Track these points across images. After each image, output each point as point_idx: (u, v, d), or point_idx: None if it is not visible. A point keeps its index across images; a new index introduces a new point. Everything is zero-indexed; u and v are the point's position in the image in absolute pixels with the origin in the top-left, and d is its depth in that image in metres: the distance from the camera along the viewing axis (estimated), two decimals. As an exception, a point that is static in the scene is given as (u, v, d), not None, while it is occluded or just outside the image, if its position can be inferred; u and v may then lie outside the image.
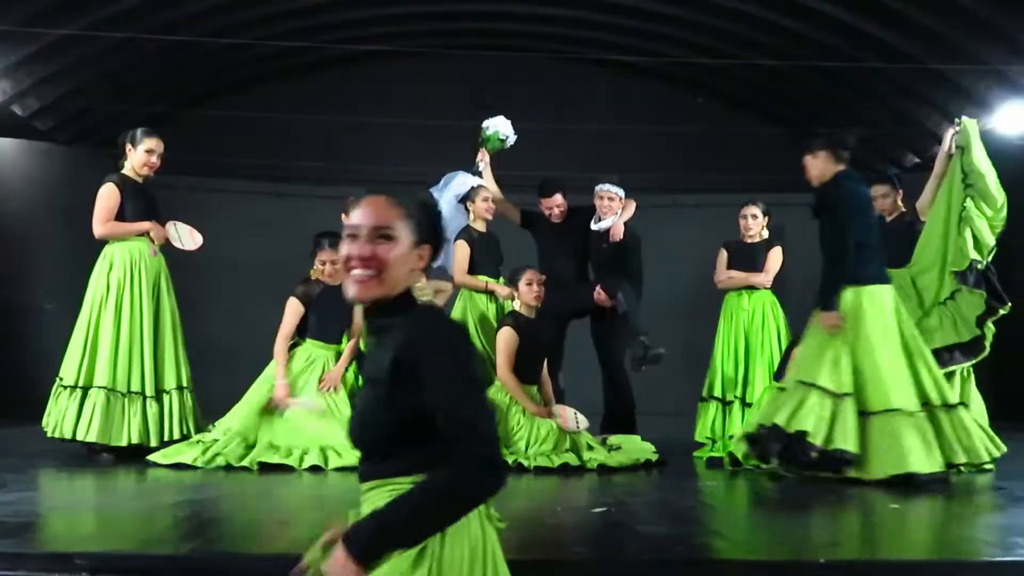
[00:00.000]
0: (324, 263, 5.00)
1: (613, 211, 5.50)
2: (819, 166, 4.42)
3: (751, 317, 5.48)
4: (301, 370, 4.94)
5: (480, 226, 5.38)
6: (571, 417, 4.94)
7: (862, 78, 7.95)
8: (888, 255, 5.26)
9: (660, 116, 8.77)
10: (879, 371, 4.17)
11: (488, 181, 5.57)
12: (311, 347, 5.00)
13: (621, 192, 5.54)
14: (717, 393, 5.43)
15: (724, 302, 5.57)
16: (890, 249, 5.33)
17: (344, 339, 5.09)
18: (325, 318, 5.00)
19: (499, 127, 5.61)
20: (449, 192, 5.41)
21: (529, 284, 5.01)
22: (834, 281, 4.26)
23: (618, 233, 5.47)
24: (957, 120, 5.11)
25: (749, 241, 5.60)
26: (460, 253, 5.25)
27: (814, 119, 8.76)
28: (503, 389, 4.96)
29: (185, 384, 4.99)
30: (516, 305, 5.06)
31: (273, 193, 8.59)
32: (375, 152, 8.72)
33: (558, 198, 5.58)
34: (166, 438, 4.85)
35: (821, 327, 4.27)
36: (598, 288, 5.36)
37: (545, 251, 5.59)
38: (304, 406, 4.83)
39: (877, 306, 4.28)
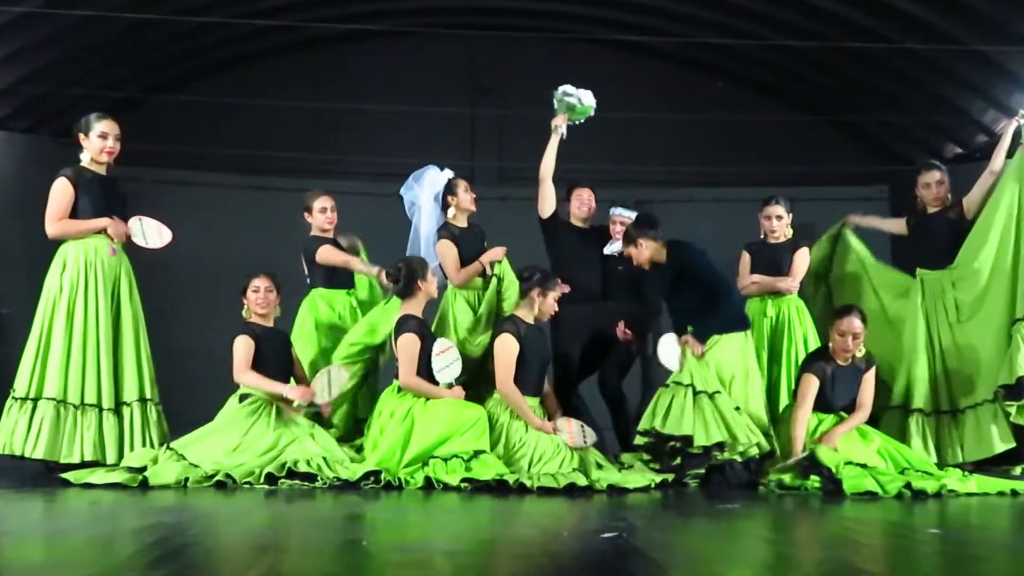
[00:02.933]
0: (257, 290, 4.99)
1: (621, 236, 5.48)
2: (647, 251, 5.04)
3: (775, 324, 5.47)
4: (246, 416, 4.87)
5: (461, 221, 5.39)
6: (577, 432, 4.91)
7: (898, 60, 7.90)
8: (924, 253, 5.22)
9: (676, 103, 8.78)
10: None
11: (551, 152, 5.54)
12: (259, 395, 4.93)
13: (633, 215, 5.56)
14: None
15: (747, 307, 5.52)
16: (926, 247, 5.27)
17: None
18: (270, 365, 4.95)
19: (590, 101, 5.55)
20: (424, 189, 5.42)
21: (557, 300, 5.05)
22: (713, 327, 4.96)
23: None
24: (1021, 112, 5.08)
25: (773, 242, 5.58)
26: (448, 253, 5.27)
27: (846, 106, 8.73)
28: (502, 402, 4.96)
29: (149, 396, 4.95)
30: (522, 311, 5.02)
31: (252, 187, 8.56)
32: (365, 141, 8.71)
33: (588, 191, 5.64)
34: (126, 455, 4.80)
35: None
36: (621, 324, 5.38)
37: (564, 258, 5.57)
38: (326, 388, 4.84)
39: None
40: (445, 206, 5.38)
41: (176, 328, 7.34)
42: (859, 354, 4.99)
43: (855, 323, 4.93)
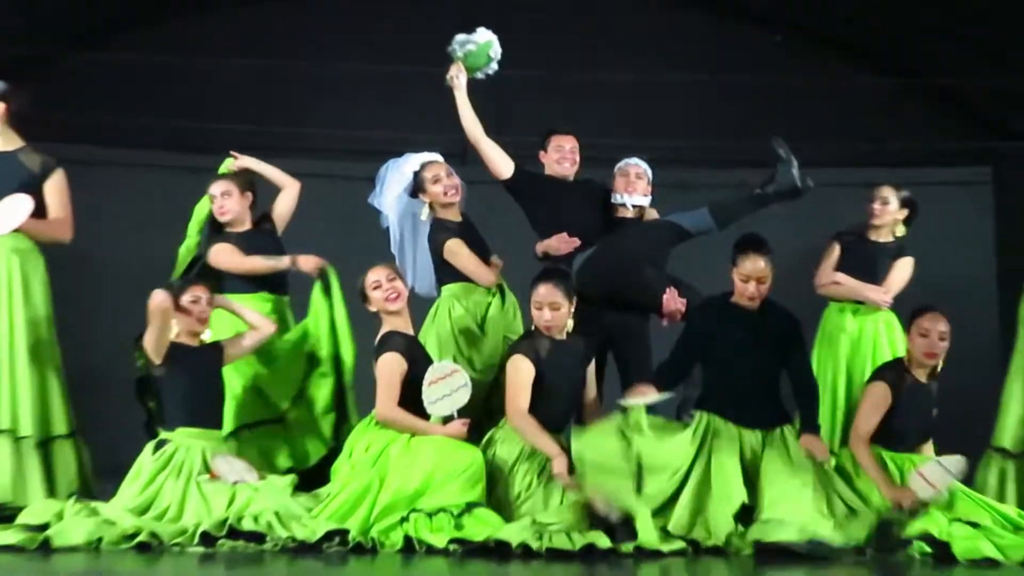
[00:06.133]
0: (196, 299, 5.11)
1: (640, 191, 5.67)
2: (768, 278, 5.05)
3: (856, 342, 5.49)
4: (158, 471, 4.96)
5: (452, 214, 5.52)
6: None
7: (1006, 7, 7.81)
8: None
9: (717, 61, 8.71)
10: None
11: (464, 108, 5.63)
12: (182, 439, 5.03)
13: (650, 172, 5.72)
14: None
15: (824, 317, 5.60)
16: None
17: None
18: (199, 392, 5.06)
19: (490, 40, 5.68)
20: (391, 188, 5.60)
21: (539, 308, 5.03)
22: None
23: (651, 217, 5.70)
24: None
25: (874, 238, 5.63)
26: (461, 252, 5.42)
27: (936, 65, 8.65)
28: (504, 440, 5.00)
29: (61, 430, 5.12)
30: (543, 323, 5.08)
31: (188, 167, 8.45)
32: (332, 110, 8.68)
33: (572, 139, 5.70)
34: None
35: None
36: (671, 290, 5.38)
37: (555, 219, 5.60)
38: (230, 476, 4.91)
39: None
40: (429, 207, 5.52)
41: (91, 342, 7.28)
42: (934, 363, 5.03)
43: (940, 321, 4.98)
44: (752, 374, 4.98)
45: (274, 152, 8.13)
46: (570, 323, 5.10)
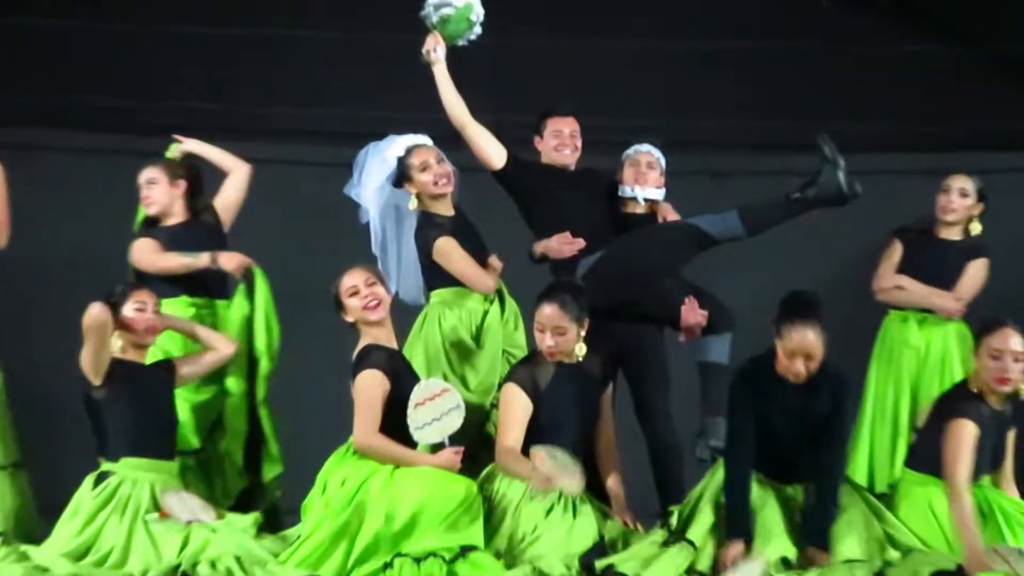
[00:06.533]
0: (141, 306, 5.13)
1: (652, 182, 5.72)
2: (820, 349, 4.91)
3: (923, 358, 5.54)
4: (100, 508, 4.97)
5: (443, 207, 5.53)
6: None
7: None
8: None
9: (756, 27, 8.67)
10: None
11: (444, 86, 5.65)
12: (127, 471, 5.04)
13: (663, 161, 5.79)
14: (861, 476, 5.53)
15: (883, 327, 5.64)
16: None
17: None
18: (147, 416, 5.08)
19: (470, 2, 5.66)
20: (371, 177, 5.59)
21: (541, 331, 5.02)
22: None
23: (666, 212, 5.76)
24: None
25: (943, 236, 5.65)
26: (455, 253, 5.44)
27: (1010, 35, 8.61)
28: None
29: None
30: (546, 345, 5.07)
31: (133, 151, 8.41)
32: (303, 85, 8.66)
33: (572, 121, 5.74)
34: None
35: None
36: (690, 301, 5.41)
37: (554, 217, 5.64)
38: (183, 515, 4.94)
39: None
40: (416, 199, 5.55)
41: (35, 357, 7.26)
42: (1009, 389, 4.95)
43: (1013, 339, 4.89)
44: (794, 445, 4.96)
45: (236, 135, 8.12)
46: (581, 347, 5.08)
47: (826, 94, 8.77)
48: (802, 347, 4.80)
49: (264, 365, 5.44)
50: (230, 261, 5.46)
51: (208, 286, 5.58)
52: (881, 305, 5.78)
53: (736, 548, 4.79)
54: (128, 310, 5.10)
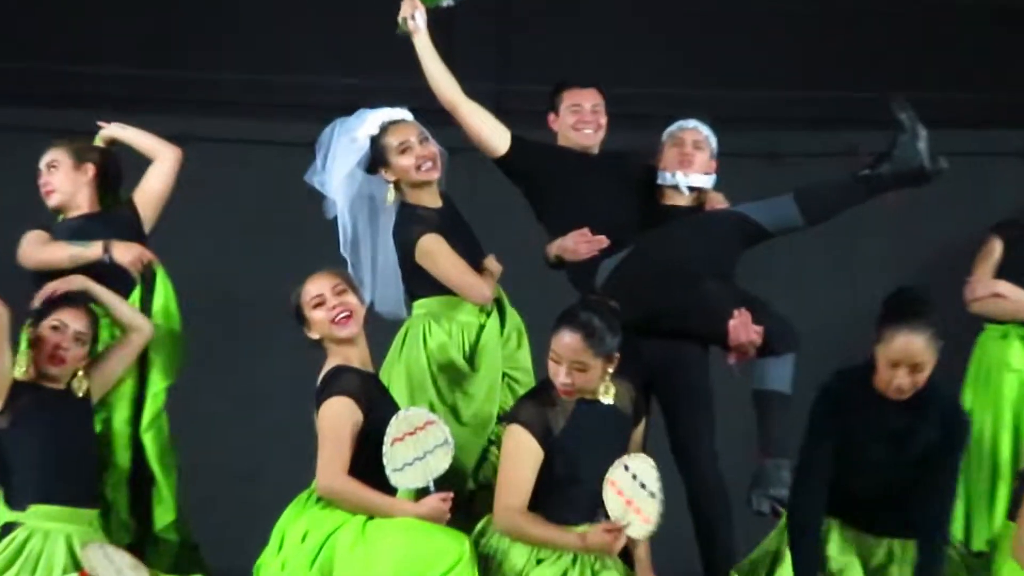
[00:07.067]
0: (57, 326, 5.17)
1: (700, 167, 5.75)
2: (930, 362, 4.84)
3: None
4: (5, 566, 4.99)
5: (428, 198, 5.56)
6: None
7: None
8: None
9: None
10: None
11: (428, 59, 5.69)
12: (37, 521, 5.06)
13: (714, 140, 5.83)
14: (955, 529, 5.53)
15: (978, 344, 5.70)
16: None
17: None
18: (59, 453, 5.08)
19: None
20: (340, 161, 5.61)
21: (556, 362, 4.96)
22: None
23: (716, 204, 5.80)
24: None
25: None
26: (442, 252, 5.46)
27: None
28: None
29: None
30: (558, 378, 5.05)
31: (39, 127, 8.47)
32: (253, 48, 8.70)
33: (594, 93, 5.77)
34: None
35: None
36: (741, 313, 5.42)
37: (571, 211, 5.69)
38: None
39: None
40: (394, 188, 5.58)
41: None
42: None
43: None
44: (891, 481, 4.90)
45: (160, 104, 8.23)
46: (608, 388, 5.01)
47: (900, 59, 8.80)
48: (908, 354, 4.72)
49: (157, 384, 5.48)
50: (126, 253, 5.49)
51: (105, 285, 5.54)
52: (976, 318, 5.79)
53: None
54: (44, 327, 5.13)
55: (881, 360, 4.75)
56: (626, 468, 4.89)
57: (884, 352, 4.74)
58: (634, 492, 4.87)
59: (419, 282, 5.48)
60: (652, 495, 4.89)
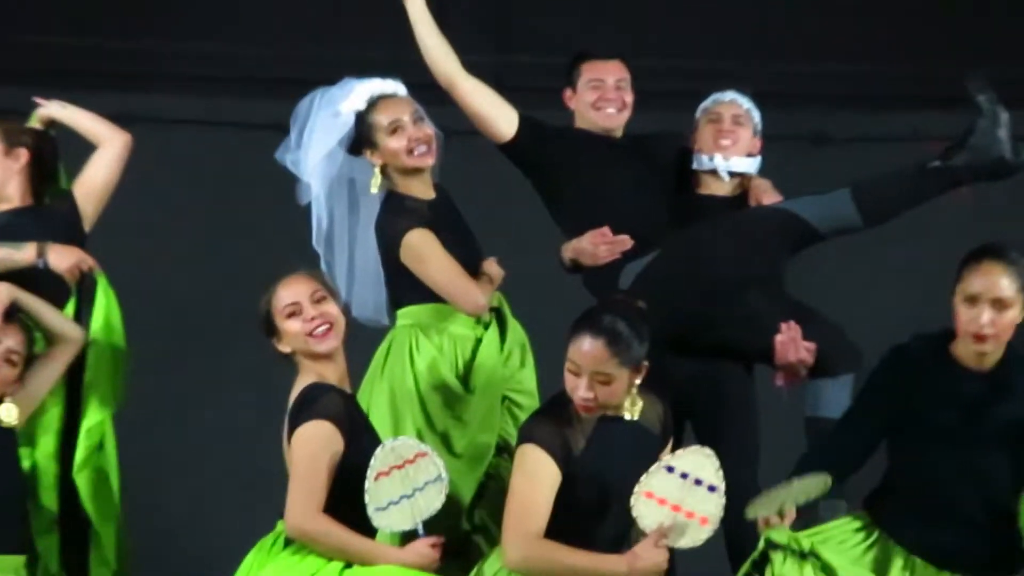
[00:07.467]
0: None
1: (742, 147, 5.80)
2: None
3: None
4: None
5: (419, 187, 5.59)
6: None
7: None
8: None
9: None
10: None
11: (423, 29, 5.68)
12: None
13: (757, 115, 5.90)
14: None
15: None
16: None
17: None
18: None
19: None
20: (318, 139, 5.63)
21: (575, 373, 4.94)
22: None
23: (761, 193, 5.80)
24: None
25: None
26: (433, 252, 5.49)
27: None
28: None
29: None
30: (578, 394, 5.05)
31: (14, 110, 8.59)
32: (217, 14, 8.72)
33: (618, 66, 5.80)
34: None
35: None
36: (790, 328, 5.46)
37: (590, 204, 5.75)
38: None
39: None
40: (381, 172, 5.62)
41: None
42: None
43: None
44: (970, 483, 4.90)
45: (119, 82, 8.32)
46: (635, 402, 5.00)
47: (976, 27, 8.80)
48: (989, 288, 4.76)
49: (93, 416, 5.49)
50: (62, 258, 5.50)
51: (39, 293, 5.59)
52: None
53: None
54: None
55: (959, 302, 4.80)
56: (669, 470, 4.86)
57: (962, 290, 4.80)
58: (684, 494, 4.86)
59: (405, 286, 5.49)
60: (712, 488, 4.88)
